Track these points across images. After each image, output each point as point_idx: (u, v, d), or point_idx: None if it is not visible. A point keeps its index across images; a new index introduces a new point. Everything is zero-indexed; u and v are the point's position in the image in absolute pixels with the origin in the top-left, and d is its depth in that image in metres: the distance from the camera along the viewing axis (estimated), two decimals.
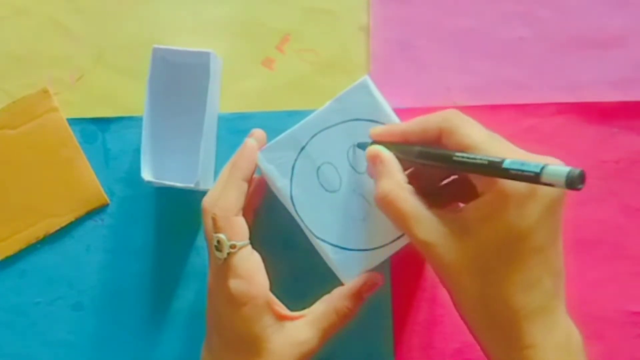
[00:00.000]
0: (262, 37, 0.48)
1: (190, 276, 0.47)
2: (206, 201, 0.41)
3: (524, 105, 0.46)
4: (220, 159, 0.47)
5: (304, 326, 0.40)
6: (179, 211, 0.47)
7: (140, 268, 0.48)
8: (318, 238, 0.41)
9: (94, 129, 0.48)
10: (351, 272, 0.41)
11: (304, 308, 0.41)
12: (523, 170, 0.30)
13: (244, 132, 0.47)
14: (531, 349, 0.34)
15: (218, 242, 0.38)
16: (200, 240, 0.47)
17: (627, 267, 0.46)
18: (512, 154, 0.34)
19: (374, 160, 0.38)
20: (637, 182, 0.46)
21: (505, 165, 0.31)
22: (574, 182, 0.28)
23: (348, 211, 0.41)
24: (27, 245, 0.48)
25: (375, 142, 0.40)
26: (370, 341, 0.45)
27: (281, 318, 0.40)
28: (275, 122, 0.47)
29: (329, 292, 0.41)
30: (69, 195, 0.48)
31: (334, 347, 0.42)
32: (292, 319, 0.40)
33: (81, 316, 0.48)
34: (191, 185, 0.43)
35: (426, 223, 0.35)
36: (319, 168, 0.41)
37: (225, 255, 0.38)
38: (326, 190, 0.41)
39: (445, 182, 0.41)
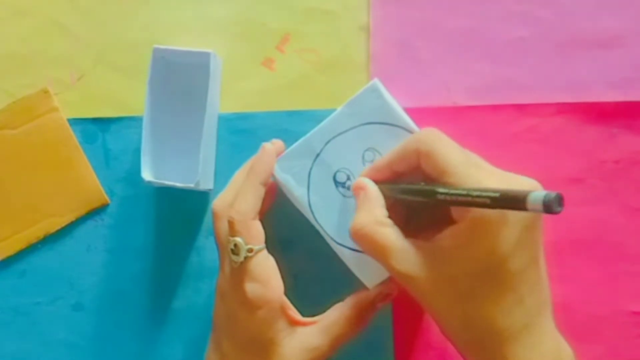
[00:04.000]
0: (262, 37, 0.48)
1: (190, 276, 0.47)
2: (217, 205, 0.41)
3: (524, 105, 0.46)
4: (221, 159, 0.47)
5: (316, 332, 0.40)
6: (179, 211, 0.47)
7: (140, 268, 0.48)
8: (339, 244, 0.41)
9: (94, 129, 0.48)
10: (374, 275, 0.41)
11: (304, 308, 0.41)
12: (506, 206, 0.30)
13: (244, 132, 0.47)
14: None
15: (235, 245, 0.38)
16: (200, 240, 0.47)
17: (627, 267, 0.45)
18: (488, 177, 0.34)
19: (358, 192, 0.38)
20: (637, 182, 0.46)
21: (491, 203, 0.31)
22: (551, 207, 0.28)
23: None
24: (28, 245, 0.48)
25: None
26: (370, 341, 0.45)
27: (294, 323, 0.40)
28: (275, 122, 0.47)
29: (328, 292, 0.41)
30: (69, 195, 0.48)
31: None
32: (304, 324, 0.40)
33: (81, 316, 0.48)
34: (191, 185, 0.43)
35: (403, 255, 0.35)
36: (335, 174, 0.41)
37: (242, 259, 0.38)
38: (343, 195, 0.41)
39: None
